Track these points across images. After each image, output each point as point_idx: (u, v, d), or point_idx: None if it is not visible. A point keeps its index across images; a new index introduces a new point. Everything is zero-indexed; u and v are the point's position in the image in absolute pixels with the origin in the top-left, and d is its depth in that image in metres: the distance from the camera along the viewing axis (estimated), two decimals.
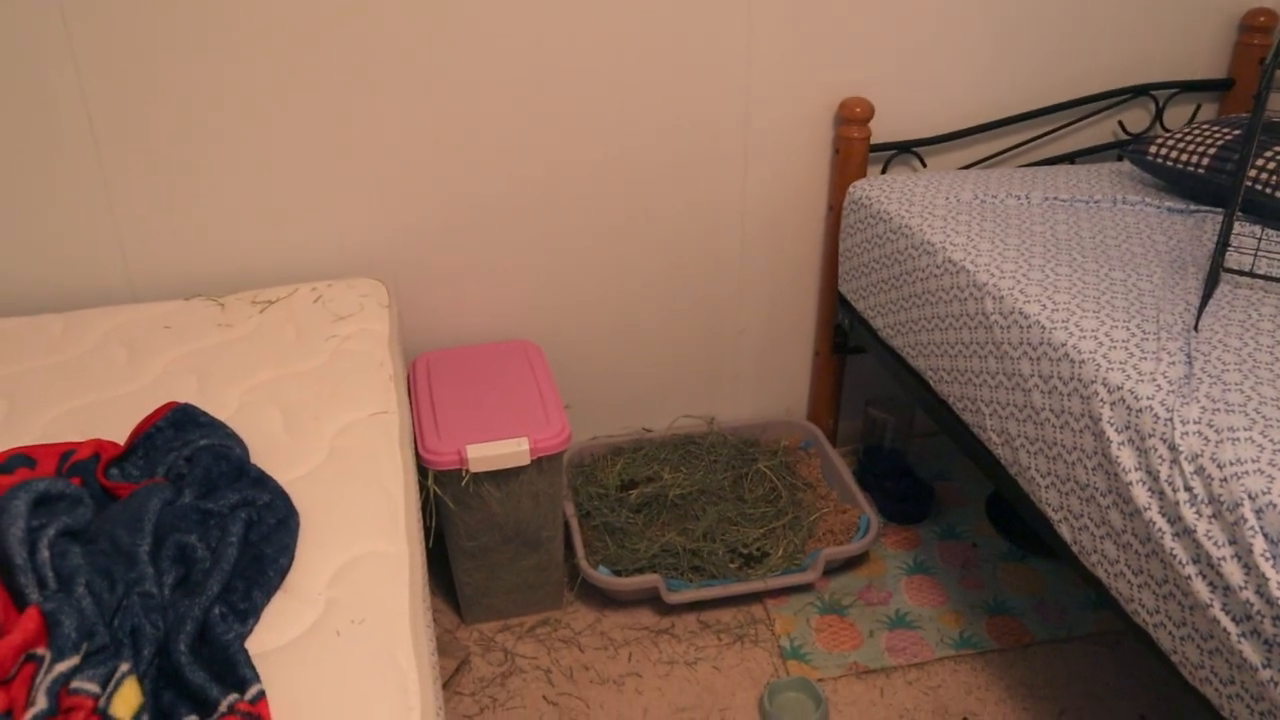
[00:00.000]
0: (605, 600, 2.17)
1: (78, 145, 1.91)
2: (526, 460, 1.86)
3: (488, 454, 1.84)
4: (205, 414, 1.55)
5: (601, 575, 2.07)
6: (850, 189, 2.21)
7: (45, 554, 1.13)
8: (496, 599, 2.08)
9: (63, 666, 1.02)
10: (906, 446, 2.54)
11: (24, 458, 1.48)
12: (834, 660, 2.03)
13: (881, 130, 2.29)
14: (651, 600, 2.16)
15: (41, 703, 0.99)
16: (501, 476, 1.89)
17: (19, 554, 1.11)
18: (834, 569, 2.23)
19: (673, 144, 2.19)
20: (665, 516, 2.25)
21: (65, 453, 1.49)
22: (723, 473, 2.36)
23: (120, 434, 1.57)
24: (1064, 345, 1.53)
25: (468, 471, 1.85)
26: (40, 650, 1.04)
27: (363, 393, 1.66)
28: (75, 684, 1.02)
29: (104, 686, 1.03)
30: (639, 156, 2.18)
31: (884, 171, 2.33)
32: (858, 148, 2.23)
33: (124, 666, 1.06)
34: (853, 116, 2.20)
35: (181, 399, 1.66)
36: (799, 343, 2.51)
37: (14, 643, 1.02)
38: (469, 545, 1.97)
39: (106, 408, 1.67)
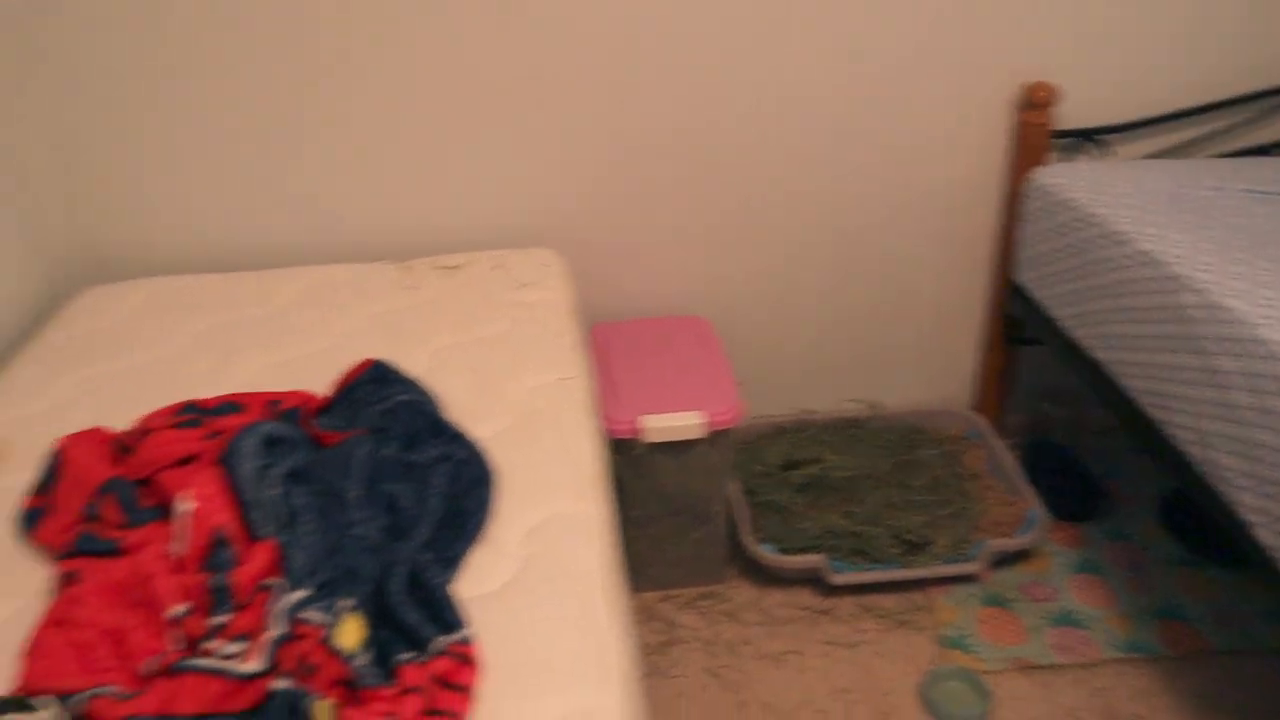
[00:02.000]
0: (766, 577, 2.19)
1: (281, 115, 2.02)
2: (700, 433, 1.89)
3: (663, 425, 1.88)
4: (399, 371, 1.62)
5: (766, 552, 2.09)
6: (1033, 175, 2.16)
7: (274, 492, 1.21)
8: (659, 569, 2.12)
9: (295, 596, 1.09)
10: (1076, 442, 2.47)
11: (234, 405, 1.57)
12: (997, 653, 2.00)
13: (1061, 116, 2.22)
14: (812, 580, 2.16)
15: (279, 627, 1.06)
16: (674, 448, 1.93)
17: (251, 490, 1.19)
18: (997, 562, 2.20)
19: (846, 123, 2.17)
20: (828, 498, 2.25)
21: (271, 401, 1.58)
22: (886, 458, 2.35)
23: (315, 387, 1.64)
24: (1273, 343, 1.47)
25: (642, 441, 1.89)
26: (274, 580, 1.11)
27: (547, 358, 1.70)
28: (304, 614, 1.09)
29: (328, 618, 1.10)
30: (813, 135, 2.17)
31: (1062, 159, 2.27)
32: (1039, 134, 2.18)
33: (346, 601, 1.12)
34: (1035, 101, 2.14)
35: (374, 357, 1.74)
36: (967, 331, 2.47)
37: (252, 572, 1.10)
38: (637, 514, 2.01)
39: (303, 363, 1.76)
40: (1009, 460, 2.33)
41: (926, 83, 2.14)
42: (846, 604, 2.13)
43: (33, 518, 1.35)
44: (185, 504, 1.16)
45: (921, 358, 2.49)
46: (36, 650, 1.10)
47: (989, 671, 1.97)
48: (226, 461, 1.22)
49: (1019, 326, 2.37)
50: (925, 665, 1.99)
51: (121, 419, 1.58)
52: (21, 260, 1.98)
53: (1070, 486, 2.35)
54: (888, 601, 2.13)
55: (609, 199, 2.18)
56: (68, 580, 1.22)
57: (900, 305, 2.41)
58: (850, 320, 2.42)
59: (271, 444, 1.27)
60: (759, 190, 2.21)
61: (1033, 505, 2.22)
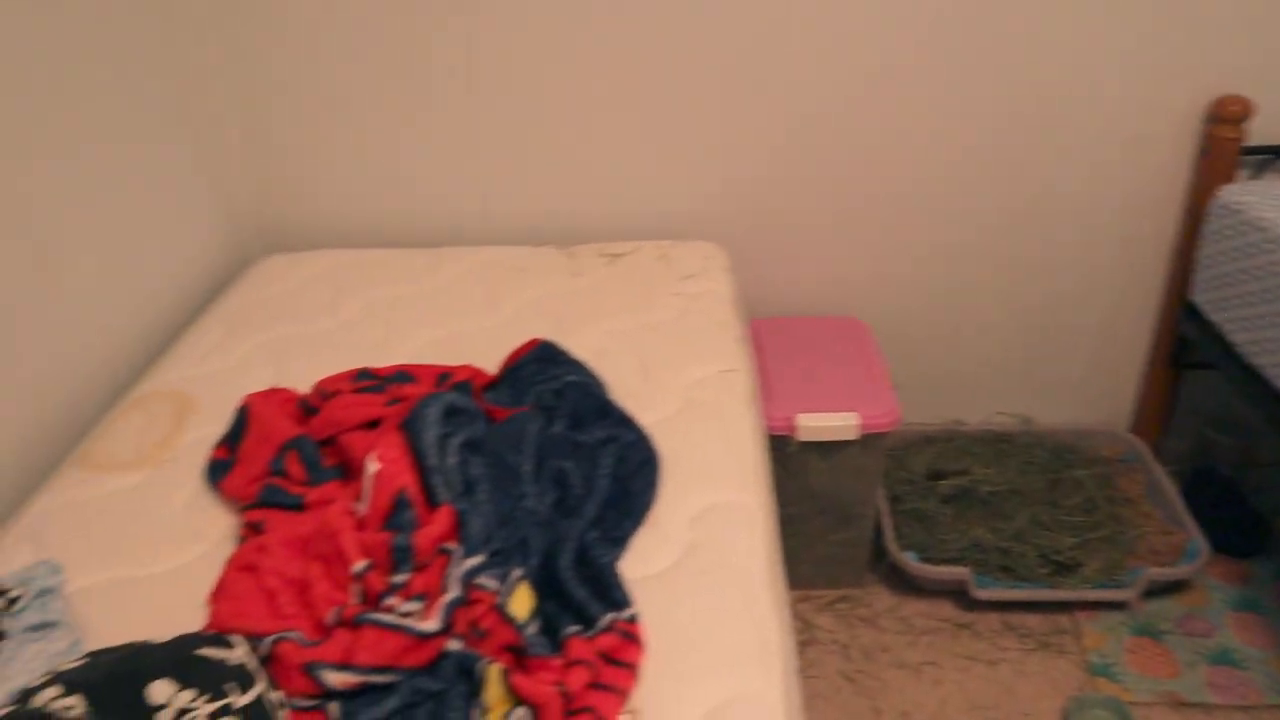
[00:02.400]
0: (907, 586, 2.15)
1: (453, 101, 2.07)
2: (854, 435, 1.87)
3: (818, 424, 1.86)
4: (566, 352, 1.64)
5: (910, 560, 2.06)
6: (1219, 193, 2.06)
7: (453, 460, 1.24)
8: (800, 568, 2.10)
9: (471, 562, 1.12)
10: (1243, 474, 2.36)
11: (405, 375, 1.62)
12: (1146, 685, 1.93)
13: (1253, 131, 2.12)
14: (954, 593, 2.12)
15: (455, 590, 1.09)
16: (827, 448, 1.91)
17: (433, 456, 1.22)
18: (1150, 592, 2.11)
19: (1024, 124, 2.10)
20: (974, 511, 2.20)
21: (441, 375, 1.62)
22: (1036, 475, 2.28)
23: (480, 363, 1.68)
24: None
25: (795, 439, 1.88)
26: (451, 545, 1.14)
27: (711, 350, 1.71)
28: (479, 580, 1.11)
29: (501, 586, 1.12)
30: (988, 136, 2.11)
31: (1252, 177, 2.17)
32: (1229, 149, 2.08)
33: (517, 571, 1.15)
34: (1226, 115, 2.05)
35: (541, 337, 1.76)
36: (1132, 349, 2.38)
37: (433, 535, 1.13)
38: (784, 512, 2.00)
39: (468, 338, 1.80)
40: (1168, 487, 2.24)
41: (1112, 89, 2.07)
42: (988, 620, 2.08)
43: (219, 469, 1.42)
44: (372, 465, 1.21)
45: (1080, 374, 2.41)
46: (226, 592, 1.16)
47: (1136, 703, 1.90)
48: (409, 428, 1.26)
49: (1189, 349, 2.28)
50: (1068, 690, 1.93)
51: (298, 380, 1.65)
52: (211, 227, 2.09)
53: (1234, 519, 2.25)
54: (1031, 621, 2.08)
55: (771, 195, 2.17)
56: (254, 530, 1.28)
57: (1063, 318, 2.33)
58: (1007, 330, 2.36)
59: (451, 414, 1.31)
60: (925, 190, 2.17)
61: (1194, 535, 2.12)
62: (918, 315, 2.33)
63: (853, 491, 1.99)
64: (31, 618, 1.17)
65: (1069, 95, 2.08)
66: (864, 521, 2.05)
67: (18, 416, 1.53)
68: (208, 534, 1.35)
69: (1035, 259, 2.26)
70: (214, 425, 1.56)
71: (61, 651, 1.14)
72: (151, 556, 1.32)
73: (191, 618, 1.20)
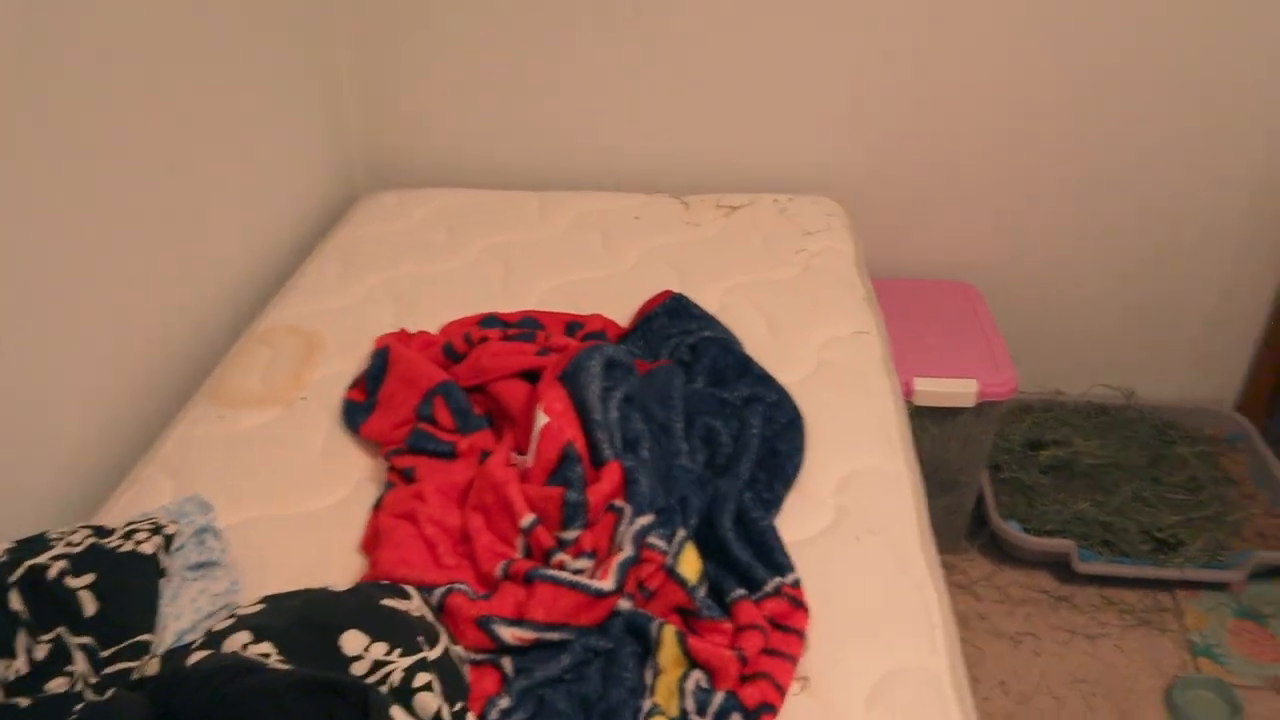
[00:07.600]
0: (1003, 555, 2.13)
1: (567, 44, 2.05)
2: (972, 402, 1.84)
3: (935, 390, 1.84)
4: (698, 306, 1.61)
5: (1013, 530, 2.04)
6: None
7: (615, 414, 1.22)
8: None
9: (642, 521, 1.10)
10: None
11: (534, 321, 1.60)
12: (1252, 669, 1.91)
13: None
14: (1052, 565, 2.10)
15: (628, 550, 1.07)
16: (939, 414, 1.88)
17: (598, 411, 1.20)
18: (1254, 575, 2.08)
19: (1153, 100, 2.03)
20: (1075, 484, 2.17)
21: (571, 323, 1.60)
22: (1138, 450, 2.25)
23: (606, 313, 1.65)
24: None
25: (910, 404, 1.85)
26: (619, 503, 1.13)
27: (840, 310, 1.68)
28: (650, 539, 1.10)
29: (670, 546, 1.11)
30: (1133, 110, 2.04)
31: None
32: None
33: (682, 531, 1.13)
34: None
35: (671, 290, 1.71)
36: (1243, 328, 2.31)
37: (603, 491, 1.12)
38: None
39: (589, 286, 1.77)
40: (1277, 469, 2.20)
41: (1255, 57, 2.00)
42: (1087, 593, 2.06)
43: (357, 411, 1.41)
44: (541, 418, 1.19)
45: (1187, 350, 2.35)
46: (387, 540, 1.14)
47: (1240, 686, 1.88)
48: (572, 380, 1.24)
49: None
50: (1169, 668, 1.92)
51: (421, 321, 1.63)
52: (324, 161, 2.07)
53: None
54: (1130, 597, 2.06)
55: (892, 156, 2.11)
56: (402, 476, 1.26)
57: (1173, 293, 2.27)
58: (1114, 301, 2.29)
59: (609, 367, 1.28)
60: (1060, 159, 2.10)
61: None
62: (1024, 281, 2.27)
63: (960, 459, 1.96)
64: (191, 556, 1.16)
65: (1228, 72, 2.00)
66: (967, 489, 2.03)
67: (145, 352, 1.52)
68: (349, 476, 1.34)
69: (1149, 232, 2.20)
70: (342, 362, 1.55)
71: (222, 593, 1.13)
72: (294, 497, 1.31)
73: (346, 562, 1.20)
